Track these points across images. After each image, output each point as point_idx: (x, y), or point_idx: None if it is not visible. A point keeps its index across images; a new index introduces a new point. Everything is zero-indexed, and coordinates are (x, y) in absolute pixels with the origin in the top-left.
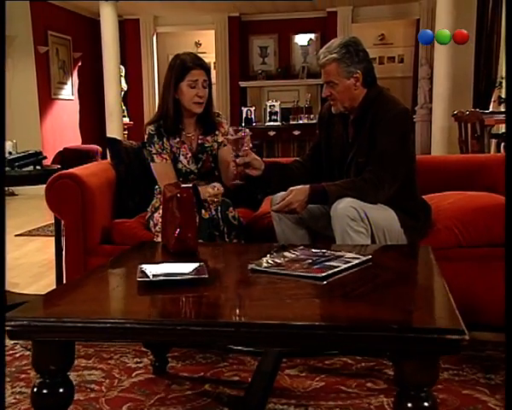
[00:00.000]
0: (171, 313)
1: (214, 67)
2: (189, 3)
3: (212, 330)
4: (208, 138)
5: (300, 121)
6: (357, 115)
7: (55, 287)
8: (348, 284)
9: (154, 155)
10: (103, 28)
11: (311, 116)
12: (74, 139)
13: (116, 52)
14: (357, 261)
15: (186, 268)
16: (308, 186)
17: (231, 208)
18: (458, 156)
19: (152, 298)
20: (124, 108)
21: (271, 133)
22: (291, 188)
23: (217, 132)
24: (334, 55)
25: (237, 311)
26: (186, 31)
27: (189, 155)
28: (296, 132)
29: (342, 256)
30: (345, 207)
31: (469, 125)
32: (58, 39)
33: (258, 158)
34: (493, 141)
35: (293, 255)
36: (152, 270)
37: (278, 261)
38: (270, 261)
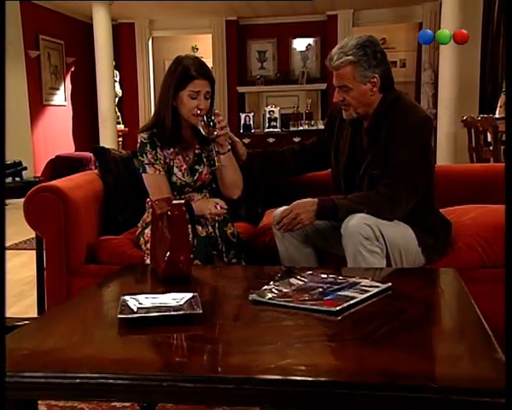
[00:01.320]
0: (155, 365)
1: None
2: (186, 7)
3: (207, 388)
4: (206, 148)
5: (301, 128)
6: (371, 123)
7: (36, 308)
8: (368, 322)
9: (146, 166)
10: (96, 32)
11: (312, 122)
12: (67, 147)
13: (109, 56)
14: (375, 290)
15: (177, 300)
16: (316, 199)
17: (230, 224)
18: (477, 166)
19: (134, 341)
20: (118, 114)
21: (271, 140)
22: (296, 201)
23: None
24: (349, 58)
25: (237, 361)
26: (183, 35)
27: (184, 166)
28: (296, 139)
29: (357, 284)
30: (357, 224)
31: (481, 131)
32: (50, 43)
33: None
34: (501, 148)
35: (300, 282)
36: (137, 303)
37: (284, 290)
38: (274, 290)
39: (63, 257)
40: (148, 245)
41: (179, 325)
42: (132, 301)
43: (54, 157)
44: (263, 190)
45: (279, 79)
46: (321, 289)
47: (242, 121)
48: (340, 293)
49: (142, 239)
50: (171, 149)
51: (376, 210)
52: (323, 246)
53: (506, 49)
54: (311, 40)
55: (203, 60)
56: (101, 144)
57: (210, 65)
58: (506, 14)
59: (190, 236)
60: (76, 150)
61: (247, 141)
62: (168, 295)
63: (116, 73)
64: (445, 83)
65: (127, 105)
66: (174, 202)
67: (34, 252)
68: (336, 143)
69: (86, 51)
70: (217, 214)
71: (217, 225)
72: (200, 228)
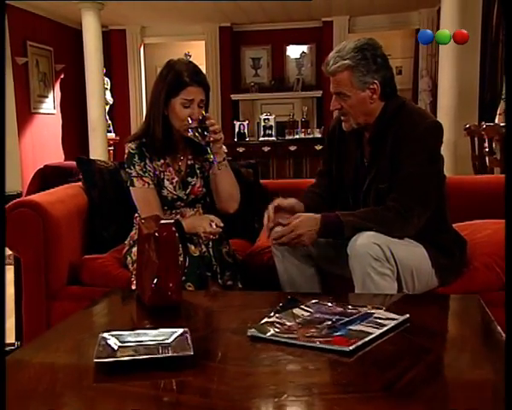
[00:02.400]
0: None
1: None
2: (178, 12)
3: None
4: (200, 158)
5: (297, 136)
6: (374, 133)
7: (14, 334)
8: (386, 366)
9: (134, 179)
10: (85, 38)
11: (308, 130)
12: (56, 156)
13: (99, 63)
14: (392, 324)
15: (165, 337)
16: (319, 215)
17: (225, 243)
18: (489, 177)
19: (111, 394)
20: (109, 122)
21: (266, 149)
22: (298, 214)
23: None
24: (346, 62)
25: None
26: (175, 41)
27: (176, 179)
28: (292, 148)
29: (370, 315)
30: (366, 244)
31: (486, 140)
32: (38, 50)
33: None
34: None
35: (305, 314)
36: (117, 341)
37: (287, 324)
38: (276, 324)
39: (42, 279)
40: (136, 265)
41: (166, 371)
42: (112, 340)
43: (42, 167)
44: (260, 204)
45: (274, 87)
46: (329, 322)
47: (237, 129)
48: (351, 327)
49: (129, 258)
50: (162, 161)
51: (386, 227)
52: (327, 267)
53: (506, 54)
54: (305, 47)
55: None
56: (91, 153)
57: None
58: (505, 17)
59: (181, 256)
60: (66, 160)
61: (241, 150)
62: (155, 331)
63: (107, 80)
64: (444, 90)
65: (118, 113)
66: (162, 221)
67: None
68: (338, 159)
69: (76, 58)
70: (211, 233)
71: (211, 243)
72: (192, 247)
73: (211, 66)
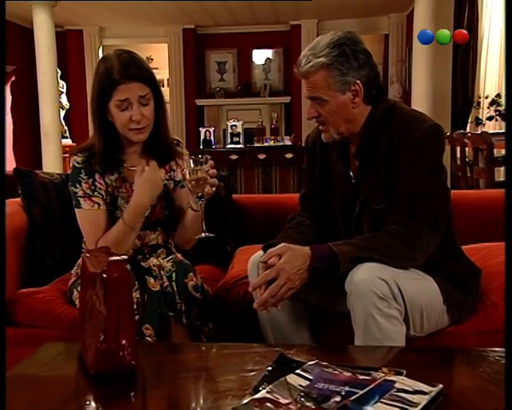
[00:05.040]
0: None
1: (168, 83)
2: (138, 12)
3: None
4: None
5: (266, 143)
6: (361, 144)
7: None
8: None
9: (81, 199)
10: (37, 37)
11: (278, 138)
12: (7, 163)
13: (52, 65)
14: (424, 402)
15: None
16: (307, 249)
17: (191, 274)
18: (499, 191)
19: None
20: (66, 127)
21: (233, 157)
22: (282, 246)
23: (174, 166)
24: (321, 60)
25: None
26: (136, 44)
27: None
28: (261, 156)
29: (390, 386)
30: (369, 279)
31: (471, 149)
32: None
33: None
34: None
35: (303, 383)
36: None
37: (282, 402)
38: (267, 405)
39: None
40: None
41: None
42: None
43: None
44: (233, 223)
45: (240, 92)
46: (338, 399)
47: (202, 136)
48: (369, 408)
49: (75, 293)
50: (116, 175)
51: (391, 257)
52: (317, 303)
53: (506, 54)
54: (271, 52)
55: (157, 71)
56: (44, 160)
57: (166, 76)
58: (506, 15)
59: (138, 292)
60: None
61: None
62: None
63: (63, 83)
64: (418, 97)
65: (75, 118)
66: (112, 258)
67: None
68: (322, 178)
69: (28, 59)
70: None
71: (173, 275)
72: (151, 280)
73: (174, 70)
